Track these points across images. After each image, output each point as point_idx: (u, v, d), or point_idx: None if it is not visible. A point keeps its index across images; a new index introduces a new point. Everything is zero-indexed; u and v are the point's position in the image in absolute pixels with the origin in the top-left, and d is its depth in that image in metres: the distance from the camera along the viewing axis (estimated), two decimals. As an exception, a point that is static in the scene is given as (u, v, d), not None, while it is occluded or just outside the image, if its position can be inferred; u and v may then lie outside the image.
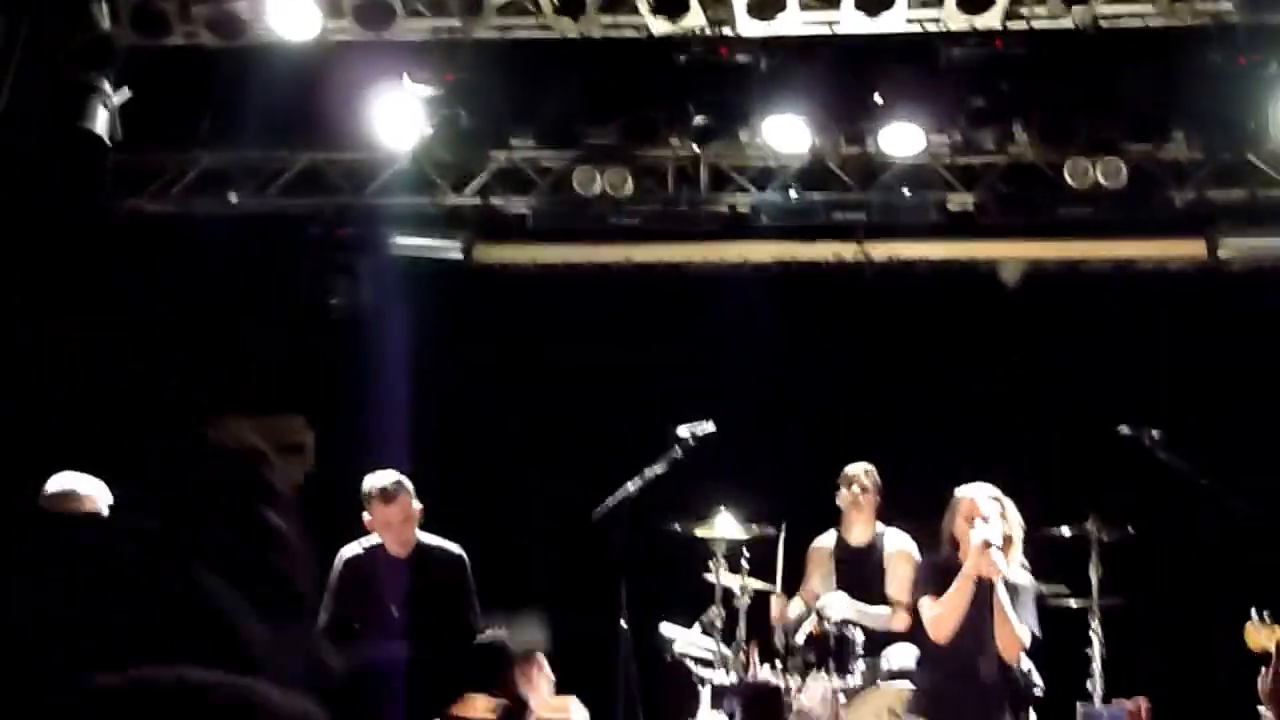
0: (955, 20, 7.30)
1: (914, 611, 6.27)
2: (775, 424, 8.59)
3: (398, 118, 7.79)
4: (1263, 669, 5.93)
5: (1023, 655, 5.94)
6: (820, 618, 6.71)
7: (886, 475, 7.30)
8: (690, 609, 6.97)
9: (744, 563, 6.86)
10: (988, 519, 5.88)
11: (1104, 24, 7.35)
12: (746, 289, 8.65)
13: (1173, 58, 7.47)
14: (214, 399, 8.64)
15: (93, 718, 1.73)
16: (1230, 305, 8.33)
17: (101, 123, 7.45)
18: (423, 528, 6.40)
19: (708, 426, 7.06)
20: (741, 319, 8.39)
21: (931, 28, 7.40)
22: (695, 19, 7.36)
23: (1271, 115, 7.31)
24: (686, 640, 6.93)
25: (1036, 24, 7.39)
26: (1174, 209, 8.23)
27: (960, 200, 8.42)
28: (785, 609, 6.93)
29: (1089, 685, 6.66)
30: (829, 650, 6.57)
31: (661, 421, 7.23)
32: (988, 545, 5.79)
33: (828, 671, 6.53)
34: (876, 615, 6.96)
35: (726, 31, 7.45)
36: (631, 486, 6.90)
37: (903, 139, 7.80)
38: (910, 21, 7.35)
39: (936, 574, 6.02)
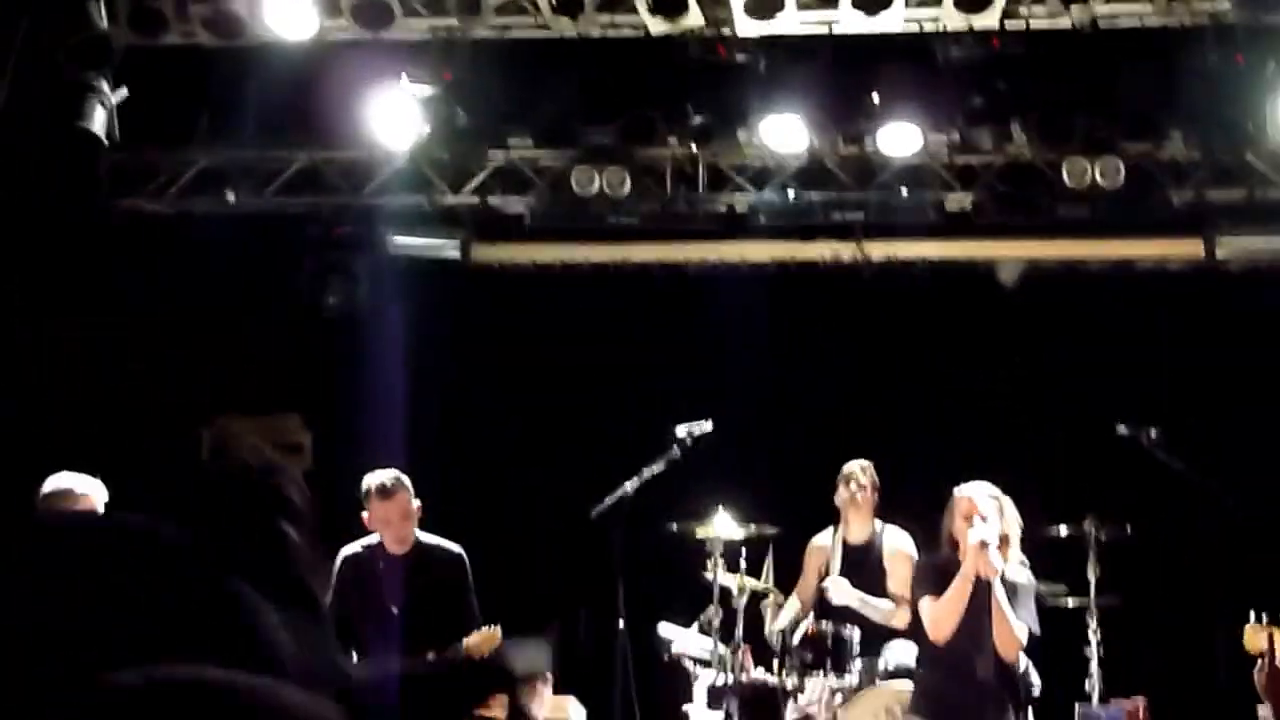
0: (953, 20, 7.29)
1: (914, 609, 6.27)
2: (774, 424, 8.59)
3: (396, 117, 7.78)
4: (1259, 661, 5.93)
5: (1021, 654, 5.95)
6: (818, 616, 6.70)
7: (885, 475, 7.29)
8: (688, 609, 6.98)
9: (742, 562, 6.86)
10: (986, 518, 5.89)
11: (1102, 24, 7.34)
12: (745, 289, 8.64)
13: (1171, 57, 7.47)
14: (212, 398, 8.65)
15: (111, 716, 1.73)
16: (1228, 305, 8.34)
17: (99, 122, 7.43)
18: (421, 527, 6.41)
19: (706, 426, 7.05)
20: (740, 319, 8.38)
21: (929, 27, 7.39)
22: (693, 19, 7.35)
23: (1270, 115, 7.30)
24: (684, 640, 6.92)
25: (1034, 23, 7.37)
26: (1172, 209, 8.21)
27: (958, 200, 8.42)
28: (776, 618, 6.94)
29: (1087, 685, 6.64)
30: (826, 650, 6.56)
31: (660, 421, 7.21)
32: (984, 544, 5.79)
33: (825, 671, 6.53)
34: (879, 606, 6.94)
35: (725, 31, 7.44)
36: (630, 486, 6.90)
37: (901, 139, 7.80)
38: (908, 21, 7.34)
39: (936, 574, 6.02)
